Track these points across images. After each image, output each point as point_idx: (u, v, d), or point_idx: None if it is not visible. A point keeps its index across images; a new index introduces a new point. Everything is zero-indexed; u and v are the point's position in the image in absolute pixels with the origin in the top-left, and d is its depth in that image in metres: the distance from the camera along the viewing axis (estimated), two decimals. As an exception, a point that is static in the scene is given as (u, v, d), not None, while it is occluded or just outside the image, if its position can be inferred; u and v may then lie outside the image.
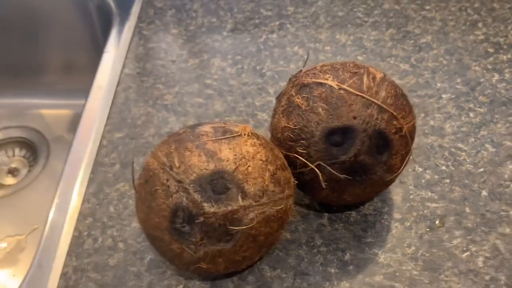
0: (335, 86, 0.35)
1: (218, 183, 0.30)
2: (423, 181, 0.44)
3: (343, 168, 0.34)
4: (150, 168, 0.33)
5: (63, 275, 0.39)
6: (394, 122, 0.34)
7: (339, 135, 0.34)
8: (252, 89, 0.52)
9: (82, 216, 0.42)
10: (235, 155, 0.31)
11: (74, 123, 0.75)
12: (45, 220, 0.42)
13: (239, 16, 0.60)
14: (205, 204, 0.30)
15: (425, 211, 0.42)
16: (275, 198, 0.32)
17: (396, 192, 0.43)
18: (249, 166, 0.31)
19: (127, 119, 0.49)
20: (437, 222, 0.41)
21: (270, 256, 0.39)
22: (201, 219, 0.30)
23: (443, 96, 0.50)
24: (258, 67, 0.54)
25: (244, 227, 0.30)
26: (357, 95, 0.34)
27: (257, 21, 0.59)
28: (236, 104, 0.51)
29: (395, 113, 0.34)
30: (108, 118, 0.49)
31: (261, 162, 0.32)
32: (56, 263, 0.39)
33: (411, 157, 0.43)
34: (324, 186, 0.35)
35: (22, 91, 0.75)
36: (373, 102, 0.34)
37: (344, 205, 0.42)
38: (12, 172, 0.71)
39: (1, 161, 0.71)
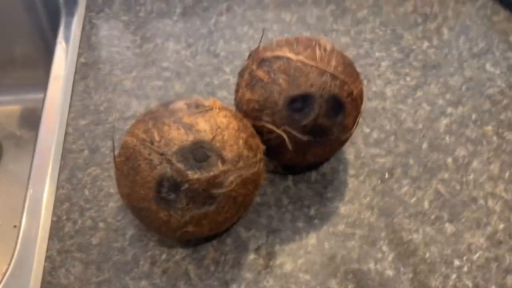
0: (293, 58, 0.38)
1: (198, 152, 0.33)
2: (371, 140, 0.49)
3: (305, 131, 0.38)
4: (129, 145, 0.35)
5: (48, 257, 0.40)
6: (345, 87, 0.39)
7: (300, 102, 0.38)
8: (209, 69, 0.55)
9: (58, 202, 0.43)
10: (211, 126, 0.34)
11: (24, 119, 0.74)
12: (22, 208, 0.43)
13: (187, 0, 0.62)
14: (189, 172, 0.33)
15: (376, 166, 0.47)
16: (249, 163, 0.35)
17: (348, 152, 0.48)
18: (224, 135, 0.34)
19: (90, 106, 0.51)
20: (386, 174, 0.47)
21: (244, 219, 0.43)
22: (186, 186, 0.33)
23: (382, 63, 0.56)
24: (211, 48, 0.57)
25: (225, 190, 0.34)
26: (312, 65, 0.38)
27: (205, 4, 0.61)
28: (195, 85, 0.53)
29: (345, 79, 0.39)
30: (70, 106, 0.50)
31: (234, 131, 0.35)
32: (39, 248, 0.40)
33: (360, 118, 0.49)
34: (291, 148, 0.39)
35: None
36: (326, 71, 0.38)
37: (306, 167, 0.46)
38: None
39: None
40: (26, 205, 0.43)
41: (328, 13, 0.61)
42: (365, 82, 0.54)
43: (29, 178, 0.45)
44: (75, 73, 0.53)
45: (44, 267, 0.40)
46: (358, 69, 0.54)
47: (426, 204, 0.45)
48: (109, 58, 0.55)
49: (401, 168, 0.47)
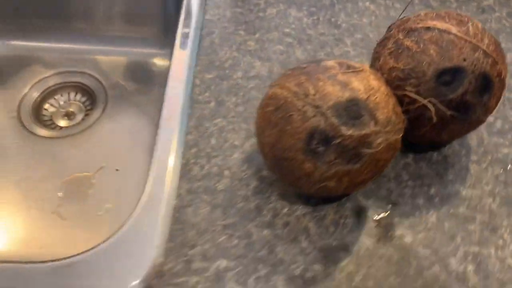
0: (446, 30, 0.38)
1: (352, 110, 0.34)
2: (494, 129, 0.48)
3: (450, 106, 0.38)
4: (279, 97, 0.36)
5: (178, 195, 0.42)
6: (497, 67, 0.38)
7: (449, 75, 0.37)
8: (329, 39, 0.55)
9: (187, 146, 0.45)
10: (365, 86, 0.35)
11: (129, 70, 0.77)
12: (152, 149, 0.45)
13: (311, -29, 0.62)
14: (342, 127, 0.33)
15: (499, 155, 0.46)
16: (395, 128, 0.35)
17: (471, 138, 0.47)
18: (377, 97, 0.35)
19: (215, 61, 0.52)
20: (510, 165, 0.46)
21: (363, 188, 0.43)
22: (338, 140, 0.33)
23: (508, 55, 0.54)
24: (333, 19, 0.57)
25: (372, 151, 0.34)
26: (466, 40, 0.38)
27: (329, -24, 0.61)
28: (316, 53, 0.54)
29: (497, 59, 0.38)
30: (197, 59, 0.52)
31: (384, 94, 0.35)
32: (170, 186, 0.42)
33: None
34: (435, 120, 0.38)
35: (79, 36, 0.76)
36: (479, 47, 0.38)
37: (429, 145, 0.46)
38: (69, 115, 0.73)
39: (58, 104, 0.73)
40: (158, 146, 0.45)
41: (453, -2, 0.60)
42: (490, 70, 0.52)
43: (159, 121, 0.47)
44: (202, 28, 0.55)
45: (176, 204, 0.42)
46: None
47: (551, 200, 0.43)
48: (233, 18, 0.57)
49: (526, 161, 0.46)
